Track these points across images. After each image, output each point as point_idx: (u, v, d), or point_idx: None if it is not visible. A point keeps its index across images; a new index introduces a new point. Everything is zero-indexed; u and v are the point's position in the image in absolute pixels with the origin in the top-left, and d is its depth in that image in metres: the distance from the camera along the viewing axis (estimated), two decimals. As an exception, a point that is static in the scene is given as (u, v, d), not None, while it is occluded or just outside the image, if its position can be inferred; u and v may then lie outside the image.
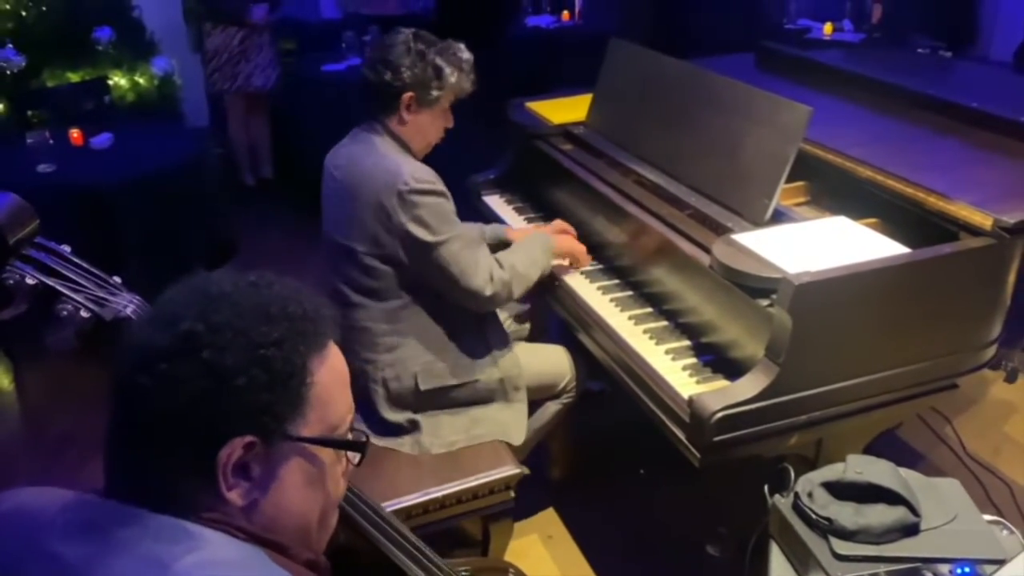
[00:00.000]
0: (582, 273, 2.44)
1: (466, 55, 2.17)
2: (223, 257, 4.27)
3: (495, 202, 2.96)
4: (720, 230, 2.09)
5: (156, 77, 4.82)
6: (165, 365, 0.87)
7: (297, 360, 0.91)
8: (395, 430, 2.18)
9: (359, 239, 2.10)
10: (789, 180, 2.12)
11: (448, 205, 2.07)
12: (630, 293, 2.33)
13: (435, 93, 2.12)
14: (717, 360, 2.00)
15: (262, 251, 4.57)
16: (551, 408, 2.44)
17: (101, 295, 1.08)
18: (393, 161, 2.07)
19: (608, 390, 2.94)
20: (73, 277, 1.08)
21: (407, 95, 2.10)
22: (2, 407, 3.39)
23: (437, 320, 2.16)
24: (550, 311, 2.54)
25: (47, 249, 1.08)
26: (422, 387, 2.16)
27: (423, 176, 2.04)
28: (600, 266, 2.47)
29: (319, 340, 0.94)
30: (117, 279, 1.12)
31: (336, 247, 2.17)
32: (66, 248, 1.09)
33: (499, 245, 2.47)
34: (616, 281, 2.39)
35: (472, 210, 3.00)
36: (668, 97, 2.45)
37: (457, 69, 2.13)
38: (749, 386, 1.77)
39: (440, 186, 2.06)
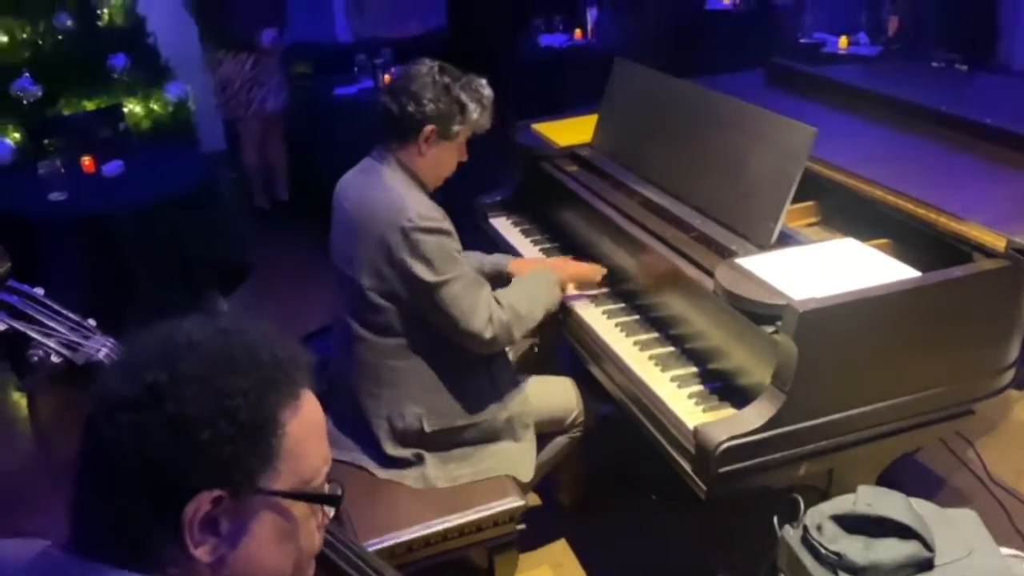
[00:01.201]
0: (587, 297, 2.41)
1: (487, 92, 2.16)
2: (236, 281, 4.28)
3: (502, 224, 2.95)
4: (725, 253, 2.06)
5: (170, 103, 4.86)
6: (129, 416, 0.85)
7: (266, 411, 0.89)
8: (399, 463, 2.15)
9: (363, 273, 2.08)
10: (798, 200, 2.10)
11: (452, 244, 2.04)
12: (636, 317, 2.30)
13: (455, 128, 2.11)
14: (724, 387, 1.97)
15: (275, 274, 4.58)
16: (559, 442, 2.40)
17: (74, 339, 1.06)
18: (398, 196, 2.05)
19: (617, 414, 2.90)
20: (45, 321, 1.06)
21: (428, 128, 2.08)
22: (16, 431, 3.40)
23: (441, 359, 2.13)
24: (558, 337, 2.51)
25: (20, 292, 1.06)
26: (427, 428, 2.13)
27: (427, 213, 2.02)
28: (605, 290, 2.45)
29: (291, 389, 0.92)
30: (92, 322, 1.10)
31: (343, 278, 2.16)
32: (39, 291, 1.08)
33: (499, 277, 2.45)
34: (622, 305, 2.36)
35: (479, 232, 2.98)
36: (672, 117, 2.44)
37: (479, 105, 2.13)
38: (755, 415, 1.74)
39: (445, 224, 2.03)
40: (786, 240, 2.06)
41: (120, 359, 0.93)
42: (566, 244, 2.72)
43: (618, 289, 2.42)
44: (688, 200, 2.30)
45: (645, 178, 2.49)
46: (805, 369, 1.70)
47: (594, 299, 2.40)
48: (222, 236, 4.13)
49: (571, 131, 2.95)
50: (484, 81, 2.17)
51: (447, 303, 2.02)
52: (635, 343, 2.18)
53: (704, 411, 1.90)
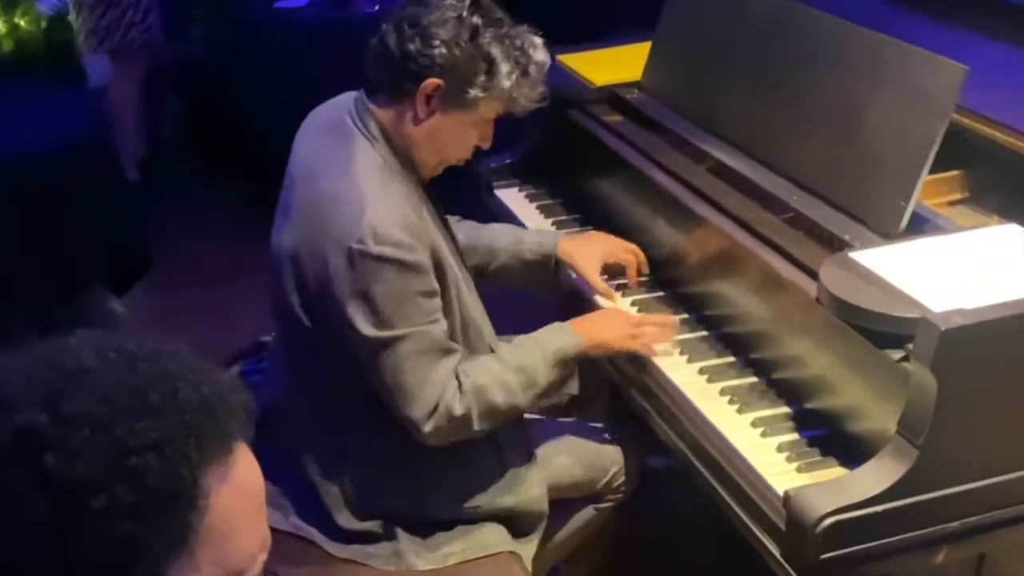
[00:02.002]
0: (633, 305, 2.42)
1: (539, 55, 2.09)
2: (134, 274, 4.29)
3: (511, 197, 2.95)
4: (833, 244, 2.05)
5: (43, 17, 4.87)
6: None
7: (185, 473, 0.90)
8: (362, 537, 2.15)
9: (293, 286, 2.06)
10: (938, 168, 2.08)
11: (415, 282, 1.97)
12: (702, 334, 2.30)
13: (473, 92, 2.03)
14: (828, 436, 1.96)
15: (188, 266, 4.58)
16: (586, 515, 2.40)
17: None
18: (358, 197, 1.98)
19: (676, 468, 2.90)
20: None
21: (431, 82, 2.01)
22: None
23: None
24: (602, 378, 2.51)
25: None
26: (393, 506, 2.13)
27: (389, 233, 1.94)
28: (658, 293, 2.45)
29: (221, 443, 0.93)
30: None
31: (275, 276, 2.14)
32: None
33: (544, 268, 2.44)
34: (682, 316, 2.36)
35: (480, 208, 2.97)
36: (759, 49, 2.43)
37: (517, 69, 2.06)
38: (875, 477, 1.73)
39: (412, 255, 1.96)
40: (921, 226, 2.04)
41: None
42: (601, 227, 2.70)
43: (675, 293, 2.42)
44: (780, 168, 2.29)
45: (717, 134, 2.48)
46: (947, 412, 1.69)
47: (639, 304, 2.40)
48: (116, 211, 4.13)
49: (612, 65, 2.95)
50: (539, 40, 2.10)
51: (385, 369, 1.97)
52: (701, 371, 2.18)
53: (799, 470, 1.89)
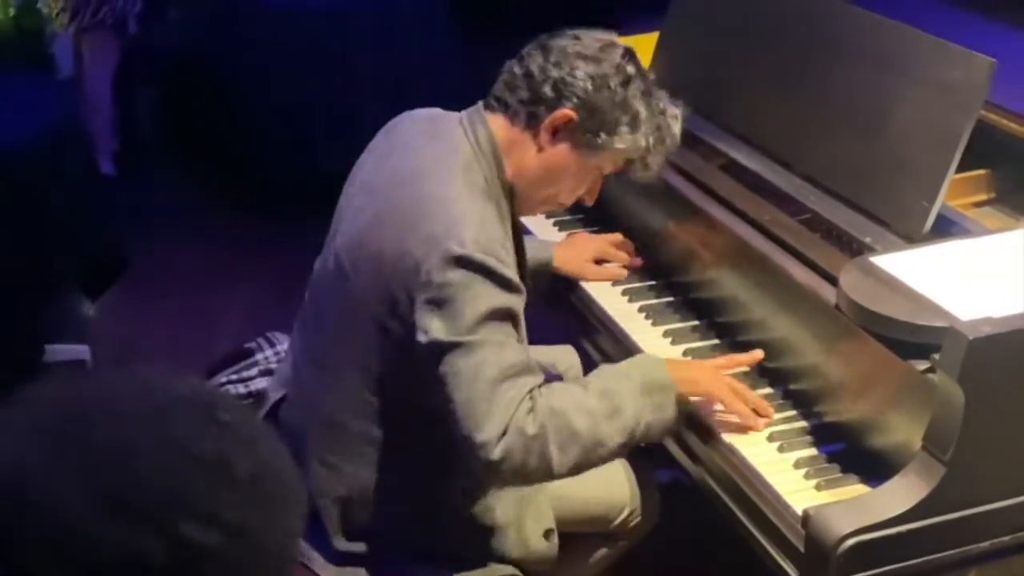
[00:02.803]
0: (641, 311, 2.42)
1: (678, 128, 2.11)
2: (108, 278, 4.28)
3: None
4: (853, 248, 2.06)
5: (11, 5, 4.87)
6: None
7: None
8: (353, 559, 2.15)
9: (365, 288, 2.02)
10: (964, 167, 2.09)
11: (504, 299, 1.91)
12: (714, 342, 2.31)
13: (608, 139, 2.03)
14: (849, 451, 1.96)
15: (161, 267, 4.58)
16: (601, 551, 2.40)
17: None
18: (461, 203, 1.95)
19: (684, 483, 2.91)
20: None
21: (564, 112, 2.00)
22: None
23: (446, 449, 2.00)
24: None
25: None
26: (391, 533, 2.12)
27: (489, 244, 1.90)
28: (668, 298, 2.45)
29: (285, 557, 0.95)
30: None
31: (326, 274, 2.12)
32: None
33: (540, 278, 2.43)
34: (693, 323, 2.37)
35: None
36: (774, 40, 2.44)
37: (654, 131, 2.07)
38: (899, 495, 1.74)
39: (509, 271, 1.92)
40: (947, 228, 2.05)
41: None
42: (607, 229, 2.71)
43: (686, 298, 2.42)
44: (797, 165, 2.30)
45: (729, 130, 2.49)
46: (976, 426, 1.69)
47: (648, 313, 2.41)
48: (89, 209, 4.12)
49: None
50: (679, 112, 2.12)
51: (456, 380, 1.89)
52: (713, 381, 2.18)
53: (819, 487, 1.89)
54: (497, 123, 2.05)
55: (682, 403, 2.02)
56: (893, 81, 2.14)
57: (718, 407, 2.06)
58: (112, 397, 0.92)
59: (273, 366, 2.42)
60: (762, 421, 2.05)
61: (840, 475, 1.91)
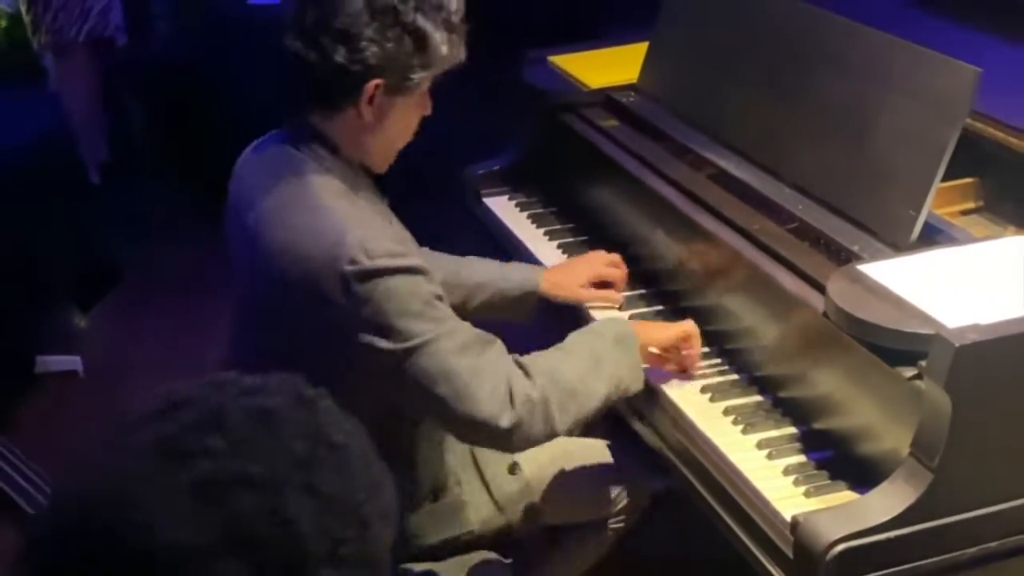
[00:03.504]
0: (632, 319, 2.41)
1: (453, 2, 2.00)
2: (100, 289, 4.29)
3: (501, 206, 2.95)
4: (841, 256, 2.07)
5: (3, 17, 4.87)
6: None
7: None
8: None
9: (282, 338, 1.99)
10: (950, 176, 2.10)
11: (424, 287, 1.89)
12: (704, 351, 2.29)
13: (415, 76, 1.96)
14: (837, 458, 1.97)
15: (153, 277, 4.58)
16: (592, 539, 2.41)
17: None
18: (333, 223, 1.90)
19: (677, 490, 2.91)
20: None
21: (372, 84, 1.93)
22: None
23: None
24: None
25: None
26: None
27: (379, 246, 1.87)
28: (658, 307, 2.45)
29: None
30: None
31: (253, 332, 2.11)
32: None
33: (526, 305, 2.44)
34: (683, 332, 2.36)
35: (467, 219, 2.97)
36: (763, 50, 2.44)
37: (447, 31, 1.97)
38: (887, 501, 1.74)
39: (410, 259, 1.89)
40: (934, 237, 2.06)
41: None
42: (597, 238, 2.73)
43: (676, 307, 2.43)
44: (785, 175, 2.31)
45: (719, 139, 2.49)
46: (963, 433, 1.70)
47: (637, 319, 2.40)
48: (79, 221, 4.12)
49: (607, 66, 2.95)
50: None
51: (429, 380, 1.87)
52: (703, 389, 2.19)
53: (807, 494, 1.89)
54: (319, 126, 1.99)
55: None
56: (880, 91, 2.14)
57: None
58: (242, 442, 0.91)
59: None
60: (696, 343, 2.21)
61: (829, 482, 1.91)
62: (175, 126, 5.57)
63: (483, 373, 1.88)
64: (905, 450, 1.76)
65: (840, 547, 1.69)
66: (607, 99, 2.83)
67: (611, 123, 2.76)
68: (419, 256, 1.94)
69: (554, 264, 2.61)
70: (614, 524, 2.41)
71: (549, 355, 2.03)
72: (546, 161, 2.95)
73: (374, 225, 1.93)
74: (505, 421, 1.88)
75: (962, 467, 1.72)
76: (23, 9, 4.97)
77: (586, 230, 2.77)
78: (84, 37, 4.98)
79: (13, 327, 3.79)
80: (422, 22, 1.93)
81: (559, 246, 2.74)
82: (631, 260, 2.55)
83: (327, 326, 1.90)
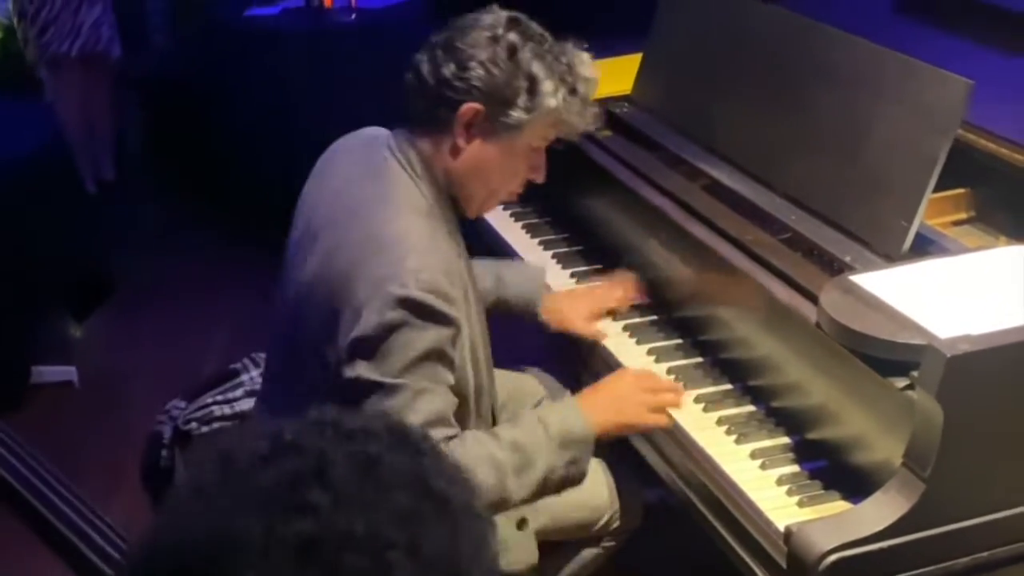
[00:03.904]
0: (626, 330, 2.43)
1: (587, 71, 2.05)
2: (94, 299, 4.29)
3: (496, 216, 2.95)
4: (834, 266, 2.07)
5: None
6: None
7: None
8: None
9: (317, 328, 2.00)
10: (942, 187, 2.11)
11: (442, 343, 1.90)
12: (697, 360, 2.31)
13: (516, 115, 1.98)
14: (831, 468, 1.97)
15: (150, 287, 4.58)
16: (585, 557, 2.39)
17: None
18: (402, 241, 1.91)
19: (671, 502, 2.90)
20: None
21: (469, 107, 1.96)
22: None
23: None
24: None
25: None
26: None
27: (433, 281, 1.88)
28: (652, 317, 2.46)
29: None
30: None
31: (294, 319, 2.10)
32: None
33: (526, 317, 2.43)
34: (676, 341, 2.38)
35: (462, 227, 2.97)
36: (757, 62, 2.45)
37: (564, 86, 2.01)
38: (879, 511, 1.74)
39: (451, 309, 1.90)
40: (926, 247, 2.06)
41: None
42: (591, 248, 2.74)
43: (669, 317, 2.43)
44: (778, 186, 2.31)
45: (712, 150, 2.50)
46: (955, 443, 1.70)
47: (632, 331, 2.41)
48: (74, 227, 4.12)
49: (602, 77, 2.90)
50: (586, 55, 2.06)
51: (368, 405, 1.88)
52: (697, 399, 2.19)
53: (801, 504, 1.90)
54: (418, 138, 2.03)
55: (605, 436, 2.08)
56: (872, 102, 2.15)
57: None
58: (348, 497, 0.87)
59: (259, 387, 2.43)
60: (679, 397, 2.14)
61: (822, 492, 1.91)
62: (171, 137, 5.58)
63: (426, 424, 1.86)
64: (898, 460, 1.77)
65: (833, 557, 1.69)
66: (601, 109, 2.83)
67: (605, 133, 2.76)
68: (460, 309, 1.94)
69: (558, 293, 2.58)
70: (607, 542, 2.40)
71: (480, 441, 1.98)
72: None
73: (438, 257, 1.93)
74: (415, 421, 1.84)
75: (954, 477, 1.72)
76: (14, 22, 4.99)
77: (581, 240, 2.78)
78: (76, 52, 4.99)
79: (8, 337, 3.79)
80: (537, 68, 1.98)
81: (554, 256, 2.75)
82: (624, 270, 2.55)
83: (344, 328, 1.91)
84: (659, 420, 2.12)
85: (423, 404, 1.89)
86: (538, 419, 2.04)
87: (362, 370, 1.88)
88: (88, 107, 5.23)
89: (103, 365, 4.07)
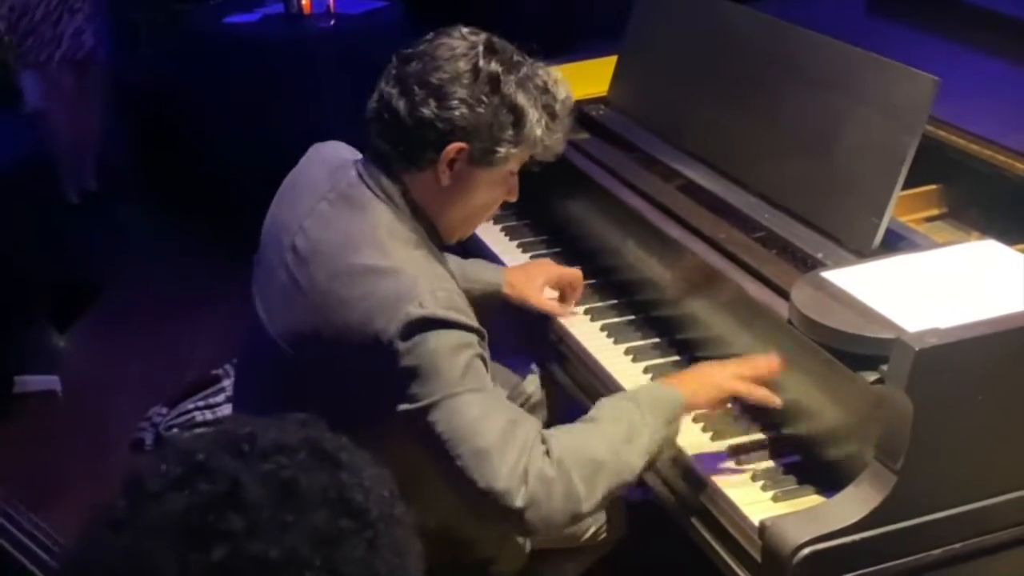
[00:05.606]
0: (603, 330, 2.44)
1: (563, 91, 1.99)
2: (77, 308, 4.28)
3: (475, 220, 2.95)
4: (805, 263, 2.08)
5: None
6: None
7: None
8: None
9: (308, 371, 1.95)
10: (913, 183, 2.12)
11: (478, 349, 1.86)
12: (674, 359, 2.32)
13: (502, 151, 1.93)
14: (804, 463, 1.98)
15: (132, 297, 4.58)
16: (565, 568, 2.40)
17: None
18: (403, 266, 1.87)
19: (654, 501, 2.91)
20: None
21: (454, 147, 1.90)
22: None
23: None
24: (570, 397, 2.52)
25: None
26: None
27: (449, 297, 1.84)
28: (629, 317, 2.47)
29: None
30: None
31: (272, 361, 2.03)
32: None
33: (490, 305, 2.40)
34: (653, 340, 2.39)
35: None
36: (730, 63, 2.46)
37: (546, 113, 1.95)
38: (852, 505, 1.76)
39: (473, 320, 1.87)
40: (896, 243, 2.07)
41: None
42: (570, 250, 2.75)
43: (647, 316, 2.44)
44: (751, 184, 2.33)
45: (687, 151, 2.51)
46: (925, 436, 1.72)
47: (609, 331, 2.43)
48: (57, 240, 4.12)
49: (577, 80, 2.92)
50: (558, 75, 2.01)
51: (454, 438, 1.79)
52: (673, 397, 2.20)
53: (775, 499, 1.91)
54: (395, 173, 1.95)
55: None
56: (841, 100, 2.16)
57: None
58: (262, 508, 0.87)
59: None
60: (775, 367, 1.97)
61: (796, 486, 1.93)
62: (151, 145, 5.57)
63: (509, 445, 1.79)
64: (870, 453, 1.78)
65: (807, 550, 1.71)
66: (577, 112, 2.82)
67: (581, 136, 2.77)
68: (473, 316, 1.91)
69: (514, 265, 2.61)
70: (593, 552, 2.42)
71: (576, 429, 1.92)
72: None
73: (446, 280, 1.91)
74: (519, 499, 1.76)
75: (925, 469, 1.74)
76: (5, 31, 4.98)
77: (559, 242, 2.79)
78: (58, 60, 4.99)
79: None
80: (522, 99, 1.92)
81: (532, 258, 2.75)
82: (601, 270, 2.58)
83: (356, 361, 1.86)
84: (751, 390, 1.96)
85: (496, 403, 1.85)
86: (621, 396, 2.00)
87: (421, 397, 1.81)
88: (72, 116, 5.22)
89: (87, 375, 4.06)
